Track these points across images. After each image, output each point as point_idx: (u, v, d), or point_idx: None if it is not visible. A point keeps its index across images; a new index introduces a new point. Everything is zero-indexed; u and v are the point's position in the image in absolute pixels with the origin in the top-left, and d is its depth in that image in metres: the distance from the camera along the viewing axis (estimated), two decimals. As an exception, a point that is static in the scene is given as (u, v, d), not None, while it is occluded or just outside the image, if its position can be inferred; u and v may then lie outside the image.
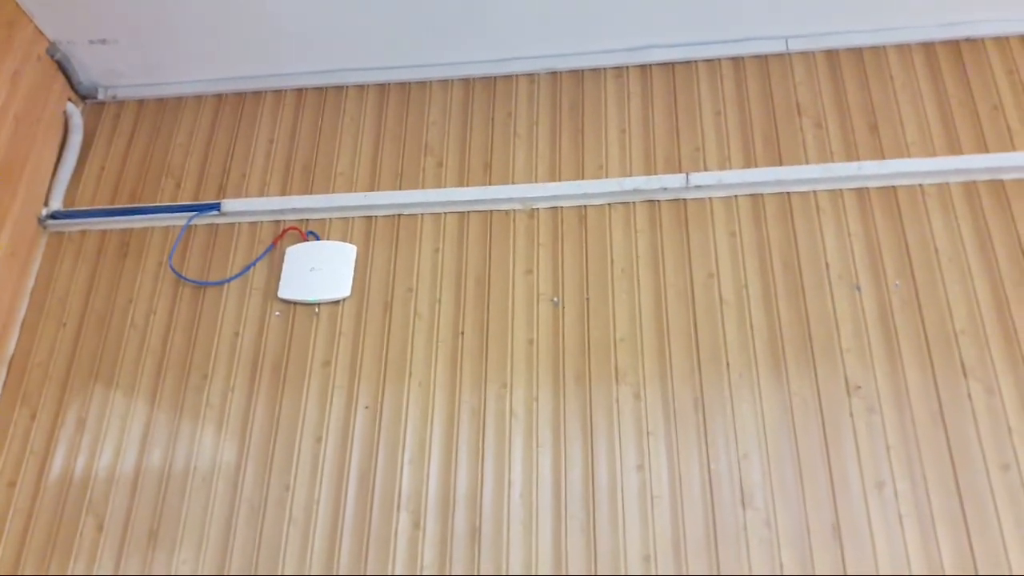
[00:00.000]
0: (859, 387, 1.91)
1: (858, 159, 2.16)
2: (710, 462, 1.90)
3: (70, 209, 2.46)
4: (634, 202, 2.21)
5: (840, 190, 2.13)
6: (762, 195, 2.16)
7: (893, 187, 2.11)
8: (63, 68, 2.52)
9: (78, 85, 2.58)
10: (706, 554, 1.82)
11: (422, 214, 2.30)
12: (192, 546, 2.00)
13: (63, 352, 2.28)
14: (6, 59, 2.32)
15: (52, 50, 2.48)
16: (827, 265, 2.05)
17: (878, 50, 2.30)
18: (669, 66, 2.39)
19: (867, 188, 2.12)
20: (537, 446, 1.97)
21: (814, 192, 2.14)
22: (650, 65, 2.40)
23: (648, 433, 1.94)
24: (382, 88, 2.52)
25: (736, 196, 2.17)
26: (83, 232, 2.44)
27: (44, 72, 2.47)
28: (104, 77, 2.61)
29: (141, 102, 2.63)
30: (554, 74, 2.44)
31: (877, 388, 1.91)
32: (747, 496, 1.86)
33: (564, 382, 2.02)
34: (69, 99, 2.58)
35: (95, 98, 2.63)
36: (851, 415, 1.89)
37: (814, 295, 2.02)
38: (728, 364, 1.98)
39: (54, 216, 2.43)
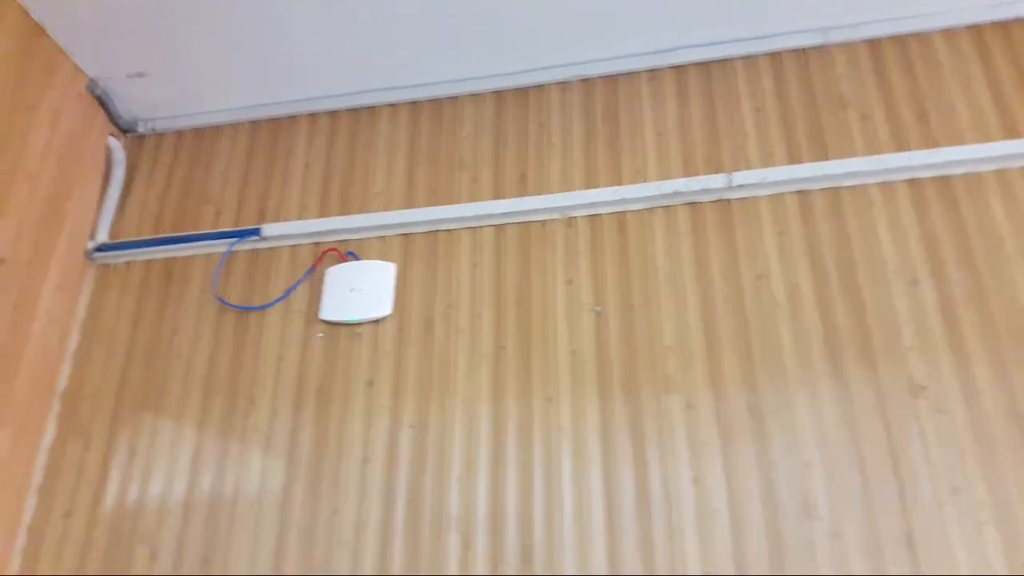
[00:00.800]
0: (924, 387, 1.76)
1: (908, 149, 2.00)
2: (770, 472, 1.76)
3: (115, 241, 2.42)
4: (675, 205, 2.09)
5: (892, 182, 1.98)
6: (809, 191, 2.02)
7: (948, 176, 1.96)
8: (103, 103, 2.48)
9: (118, 119, 2.54)
10: (769, 570, 1.68)
11: (459, 229, 2.20)
12: (243, 572, 1.92)
13: (112, 382, 2.23)
14: (47, 98, 2.29)
15: (92, 86, 2.44)
16: (883, 260, 1.90)
17: (923, 36, 2.14)
18: (705, 66, 2.27)
19: (920, 179, 1.97)
20: (587, 460, 1.85)
21: (864, 186, 1.99)
22: (685, 65, 2.28)
23: (702, 444, 1.81)
24: (414, 106, 2.44)
25: (783, 194, 2.03)
26: (128, 263, 2.39)
27: (85, 108, 2.43)
28: (143, 110, 2.57)
29: (180, 133, 2.59)
30: (587, 81, 2.33)
31: (945, 387, 1.75)
32: (811, 507, 1.71)
33: (612, 394, 1.90)
34: (111, 134, 2.54)
35: (135, 131, 2.60)
36: (917, 417, 1.74)
37: (871, 292, 1.88)
38: (784, 368, 1.84)
39: (100, 248, 2.40)
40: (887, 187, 1.98)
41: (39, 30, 2.26)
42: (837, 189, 2.00)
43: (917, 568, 1.62)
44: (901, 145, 2.02)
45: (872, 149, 2.03)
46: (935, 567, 1.62)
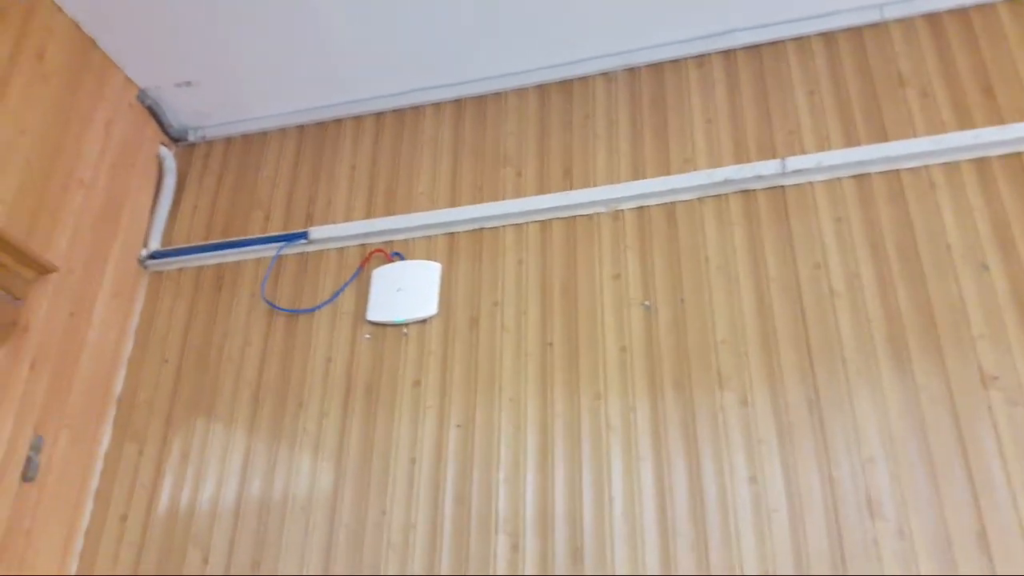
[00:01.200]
0: (996, 377, 1.66)
1: (973, 127, 1.90)
2: (831, 469, 1.68)
3: (167, 248, 2.46)
4: (727, 194, 2.03)
5: (956, 162, 1.88)
6: (869, 175, 1.94)
7: (1019, 153, 1.85)
8: (154, 113, 2.54)
9: (169, 128, 2.60)
10: (831, 570, 1.60)
11: (504, 226, 2.18)
12: (293, 574, 1.92)
13: (166, 387, 2.27)
14: (99, 108, 2.35)
15: (142, 96, 2.50)
16: (948, 245, 1.80)
17: (985, 7, 2.04)
18: (755, 49, 2.20)
19: (988, 157, 1.87)
20: (637, 459, 1.80)
21: (926, 167, 1.90)
22: (734, 50, 2.22)
23: (759, 441, 1.75)
24: (458, 104, 2.43)
25: (840, 178, 1.95)
26: (180, 269, 2.44)
27: (136, 118, 2.50)
28: (193, 119, 2.62)
29: (228, 140, 2.64)
30: (632, 70, 2.29)
31: (1018, 377, 1.65)
32: (875, 505, 1.63)
33: (662, 390, 1.85)
34: (161, 142, 2.60)
35: (186, 140, 2.65)
36: (989, 409, 1.64)
37: (936, 279, 1.78)
38: (844, 360, 1.77)
39: (153, 256, 2.45)
40: (951, 167, 1.88)
41: (91, 43, 2.33)
42: (897, 172, 1.92)
43: (991, 568, 1.53)
44: (965, 123, 1.92)
45: (934, 128, 1.93)
46: (1011, 567, 1.52)
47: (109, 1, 2.21)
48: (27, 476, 2.00)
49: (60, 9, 2.23)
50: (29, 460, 2.01)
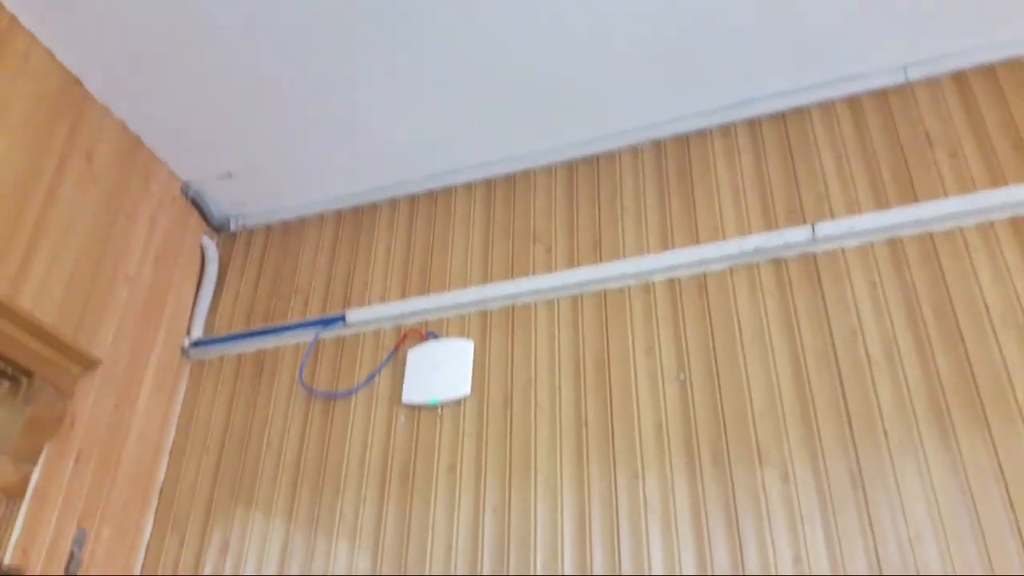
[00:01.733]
0: (1049, 445, 1.60)
1: (1006, 184, 1.88)
2: (877, 547, 1.62)
3: (209, 336, 2.54)
4: (758, 263, 2.03)
5: (990, 222, 1.85)
6: (900, 238, 1.92)
7: (1056, 210, 1.82)
8: (197, 205, 2.66)
9: (211, 218, 2.71)
10: (886, 657, 1.53)
11: (535, 302, 2.21)
12: (331, 668, 1.91)
13: (207, 476, 2.31)
14: (144, 204, 2.47)
15: (186, 189, 2.62)
16: (986, 307, 1.76)
17: (1013, 63, 2.03)
18: (779, 116, 2.22)
19: (1022, 215, 1.83)
20: (677, 539, 1.77)
21: (960, 228, 1.87)
22: (759, 118, 2.24)
23: (802, 519, 1.70)
24: (488, 183, 2.49)
25: (872, 243, 1.94)
26: (221, 357, 2.51)
27: (179, 211, 2.61)
28: (234, 208, 2.73)
29: (268, 227, 2.74)
30: (657, 143, 2.33)
31: (1072, 445, 1.59)
32: (927, 585, 1.56)
33: (700, 467, 1.82)
34: (204, 233, 2.71)
35: (228, 229, 2.76)
36: (1045, 479, 1.58)
37: (976, 343, 1.74)
38: (885, 431, 1.72)
39: (196, 344, 2.53)
40: (984, 227, 1.85)
41: (136, 141, 2.47)
42: (930, 233, 1.89)
43: (1055, 654, 1.45)
44: (997, 180, 1.89)
45: (965, 187, 1.91)
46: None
47: (154, 100, 2.34)
48: (70, 571, 2.04)
49: (108, 111, 2.37)
50: (72, 556, 2.06)
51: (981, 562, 1.55)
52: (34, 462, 2.00)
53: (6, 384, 2.02)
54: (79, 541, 2.08)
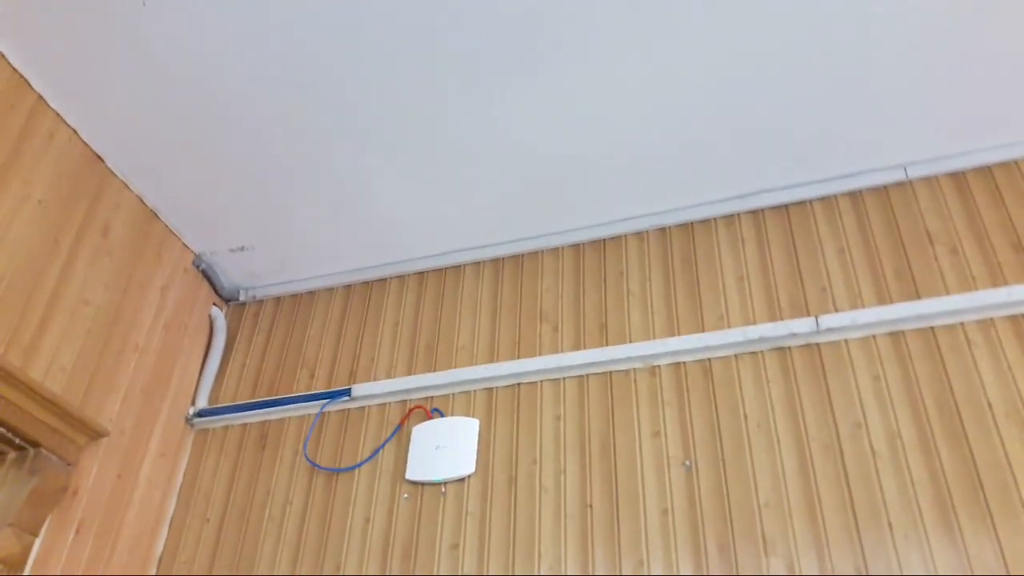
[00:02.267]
0: (1054, 544, 1.61)
1: (1006, 283, 1.92)
2: (884, 644, 1.62)
3: (214, 406, 2.54)
4: (762, 351, 2.05)
5: (991, 319, 1.89)
6: (903, 332, 1.95)
7: (1054, 309, 1.86)
8: (207, 276, 2.69)
9: (221, 290, 2.74)
10: None
11: (541, 381, 2.23)
12: None
13: (206, 548, 2.29)
14: (157, 275, 2.49)
15: (197, 261, 2.65)
16: (989, 403, 1.79)
17: (1010, 166, 2.10)
18: (782, 208, 2.28)
19: (1022, 314, 1.87)
20: (682, 631, 1.75)
21: (961, 324, 1.91)
22: (762, 210, 2.30)
23: (807, 610, 1.69)
24: (496, 263, 2.53)
25: (874, 336, 1.97)
26: (226, 427, 2.51)
27: (190, 282, 2.64)
28: (244, 280, 2.76)
29: (278, 299, 2.76)
30: (662, 230, 2.38)
31: (1076, 545, 1.60)
32: None
33: (706, 556, 1.82)
34: (214, 303, 2.73)
35: (237, 299, 2.79)
36: (1050, 579, 1.58)
37: (979, 439, 1.76)
38: (890, 524, 1.73)
39: (200, 414, 2.52)
40: (986, 324, 1.88)
41: (152, 215, 2.51)
42: (932, 328, 1.93)
43: None
44: (997, 280, 1.94)
45: (965, 285, 1.96)
46: None
47: (171, 176, 2.40)
48: (67, 645, 2.01)
49: (126, 185, 2.41)
50: (70, 628, 2.03)
51: (988, 663, 1.54)
52: (36, 533, 1.98)
53: (12, 454, 2.01)
54: (76, 615, 2.05)
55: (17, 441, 1.99)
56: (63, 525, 2.06)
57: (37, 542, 1.99)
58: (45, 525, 2.01)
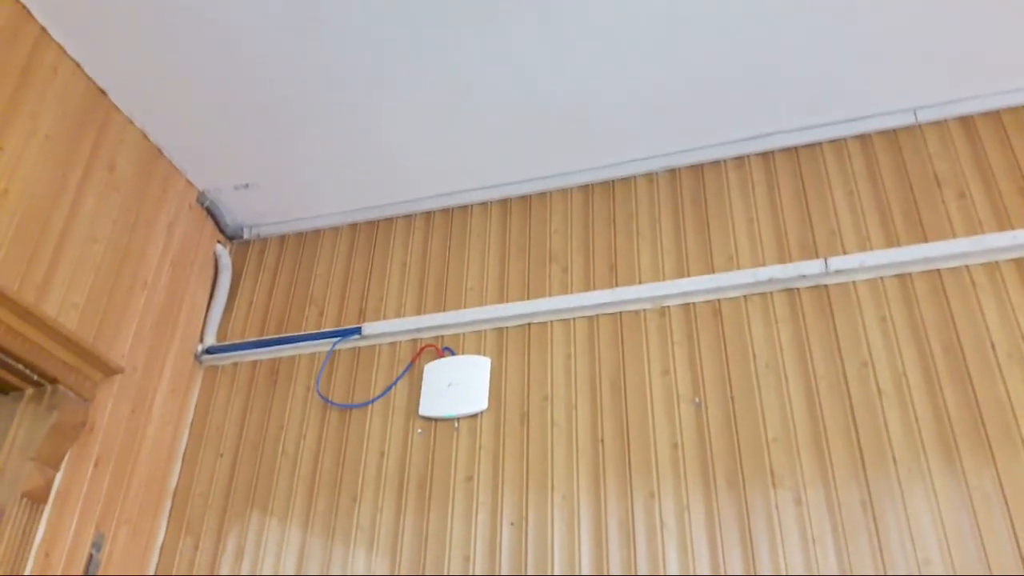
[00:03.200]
0: (1050, 477, 1.69)
1: (1011, 227, 1.97)
2: (886, 569, 1.70)
3: (223, 344, 2.56)
4: (771, 292, 2.10)
5: (996, 262, 1.94)
6: (910, 275, 2.00)
7: (1057, 253, 1.91)
8: (212, 214, 2.67)
9: (225, 228, 2.73)
10: (895, 676, 1.61)
11: (551, 321, 2.26)
12: (350, 676, 1.95)
13: (221, 481, 2.33)
14: (162, 212, 2.48)
15: (202, 199, 2.64)
16: (992, 345, 1.85)
17: (1019, 110, 2.13)
18: (792, 151, 2.30)
19: (1027, 257, 1.93)
20: (693, 560, 1.83)
21: (967, 267, 1.96)
22: (773, 152, 2.32)
23: (814, 540, 1.77)
24: (504, 203, 2.54)
25: (882, 278, 2.02)
26: (235, 364, 2.53)
27: (195, 219, 2.63)
28: (248, 218, 2.75)
29: (283, 238, 2.76)
30: (673, 171, 2.40)
31: (1073, 478, 1.68)
32: (935, 608, 1.65)
33: (716, 488, 1.89)
34: (218, 241, 2.73)
35: (241, 238, 2.78)
36: (1045, 510, 1.67)
37: (982, 378, 1.83)
38: (895, 459, 1.80)
39: (209, 351, 2.54)
40: (991, 267, 1.94)
41: (156, 152, 2.48)
42: (938, 271, 1.98)
43: (1059, 677, 1.53)
44: (1003, 223, 1.98)
45: (972, 229, 2.00)
46: (1079, 676, 1.53)
47: (176, 111, 2.36)
48: (89, 574, 2.05)
49: (131, 121, 2.38)
50: (91, 558, 2.07)
51: (987, 588, 1.63)
52: (57, 467, 2.01)
53: (31, 390, 2.02)
54: (97, 544, 2.09)
55: (35, 378, 2.00)
56: (82, 460, 2.09)
57: (58, 476, 2.02)
58: (65, 460, 2.04)
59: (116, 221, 2.28)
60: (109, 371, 2.17)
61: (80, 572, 2.04)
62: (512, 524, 2.00)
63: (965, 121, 2.16)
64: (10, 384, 1.99)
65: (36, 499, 1.95)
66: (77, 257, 2.14)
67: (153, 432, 2.34)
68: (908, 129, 2.21)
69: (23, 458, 1.94)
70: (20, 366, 1.95)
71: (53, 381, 2.02)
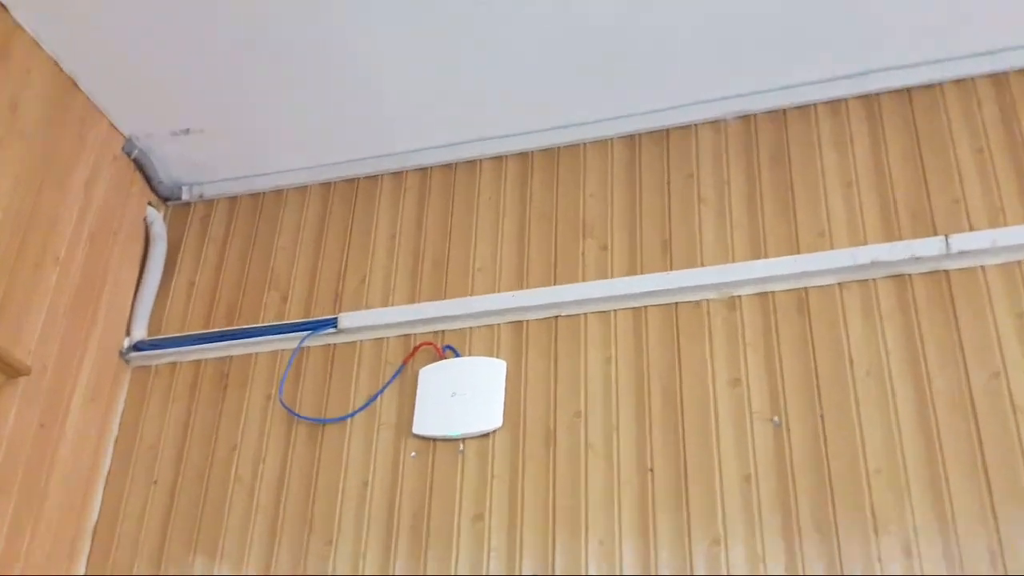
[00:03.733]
0: None
1: None
2: (1024, 643, 1.70)
3: (156, 338, 2.56)
4: (874, 279, 2.09)
5: None
6: (1057, 258, 2.00)
7: None
8: (141, 167, 2.67)
9: (158, 185, 2.73)
10: None
11: (585, 314, 2.26)
12: None
13: (156, 516, 2.34)
14: (79, 166, 2.47)
15: (128, 147, 2.63)
16: None
17: None
18: (904, 92, 2.29)
19: None
20: (771, 625, 1.84)
21: None
22: (878, 94, 2.30)
23: (928, 604, 1.78)
24: (523, 157, 2.53)
25: (1019, 262, 2.01)
26: (173, 364, 2.53)
27: (120, 174, 2.62)
28: (188, 173, 2.75)
29: (234, 199, 2.75)
30: (746, 118, 2.39)
31: None
32: None
33: (800, 535, 1.89)
34: (149, 203, 2.72)
35: (179, 199, 2.78)
36: None
37: None
38: (1034, 499, 1.80)
39: (137, 347, 2.54)
40: None
41: (71, 84, 2.47)
42: (1097, 255, 1.97)
43: None
44: None
45: None
46: None
47: (95, 32, 2.34)
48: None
49: (38, 44, 2.36)
50: (-13, 614, 2.08)
51: None
52: (-56, 497, 2.02)
53: (-88, 397, 2.03)
54: (-7, 595, 2.10)
55: (-83, 381, 2.00)
56: (-24, 488, 2.10)
57: (-53, 509, 2.03)
58: (-44, 487, 2.05)
59: (18, 178, 2.27)
60: (12, 372, 2.17)
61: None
62: (534, 576, 2.01)
63: None
64: None
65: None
66: (-32, 225, 2.14)
67: (67, 451, 2.34)
68: (1057, 66, 2.20)
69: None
70: None
71: (-60, 385, 2.03)
